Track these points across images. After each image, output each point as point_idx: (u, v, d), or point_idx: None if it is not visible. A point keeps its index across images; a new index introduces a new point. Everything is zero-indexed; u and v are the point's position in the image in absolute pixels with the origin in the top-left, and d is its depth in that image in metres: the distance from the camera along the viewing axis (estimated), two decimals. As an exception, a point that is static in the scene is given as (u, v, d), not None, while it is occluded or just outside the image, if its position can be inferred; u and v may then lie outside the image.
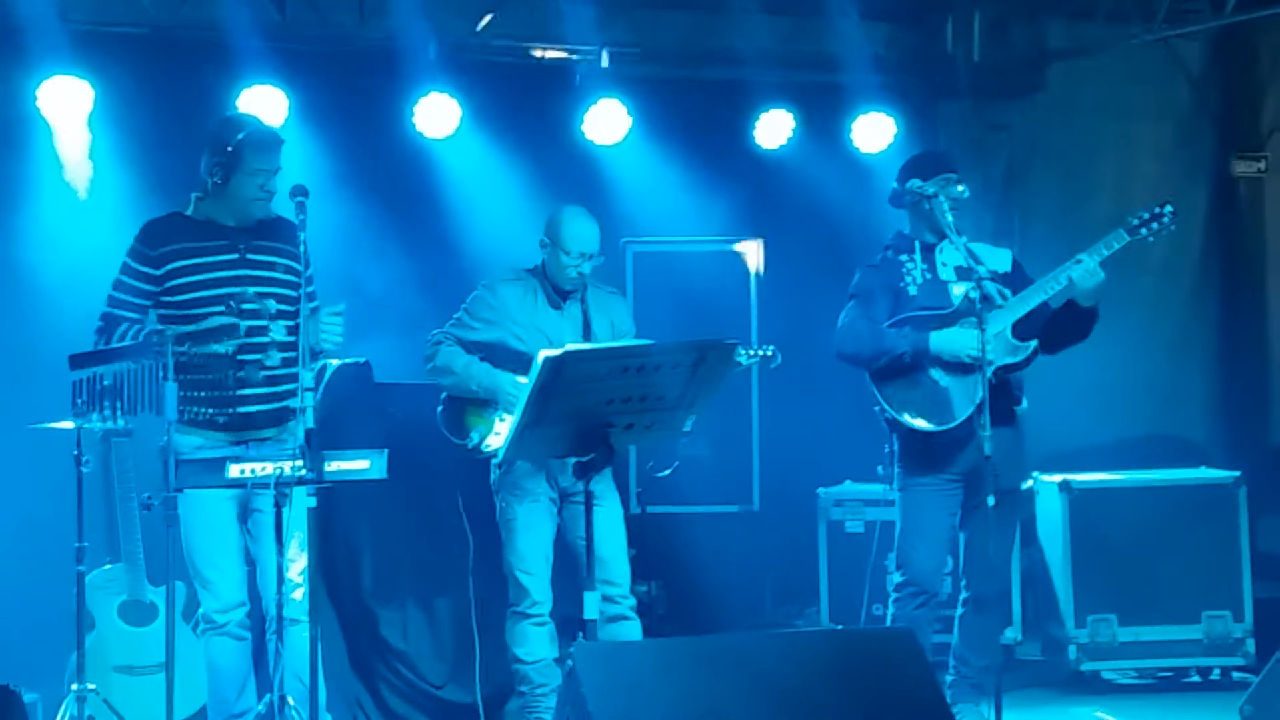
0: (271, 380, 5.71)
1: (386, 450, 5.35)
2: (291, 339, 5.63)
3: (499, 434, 6.20)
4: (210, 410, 5.63)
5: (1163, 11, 8.83)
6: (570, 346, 5.32)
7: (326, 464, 5.25)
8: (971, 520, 6.23)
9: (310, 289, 5.55)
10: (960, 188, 6.17)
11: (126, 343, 5.56)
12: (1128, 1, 8.97)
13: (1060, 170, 9.47)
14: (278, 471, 5.23)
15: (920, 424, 6.15)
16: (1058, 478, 7.66)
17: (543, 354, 5.15)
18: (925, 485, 6.24)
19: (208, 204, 5.79)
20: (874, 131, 8.67)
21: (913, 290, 6.24)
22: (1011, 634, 7.70)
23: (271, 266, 5.76)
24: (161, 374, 5.27)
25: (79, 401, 5.46)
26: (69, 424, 5.60)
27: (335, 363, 6.73)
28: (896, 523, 6.37)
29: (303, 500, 5.25)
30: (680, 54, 8.74)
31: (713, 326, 6.89)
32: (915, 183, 6.23)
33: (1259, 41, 9.69)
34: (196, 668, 5.94)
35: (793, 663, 4.82)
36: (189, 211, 5.81)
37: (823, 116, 8.69)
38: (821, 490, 8.06)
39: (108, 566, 6.55)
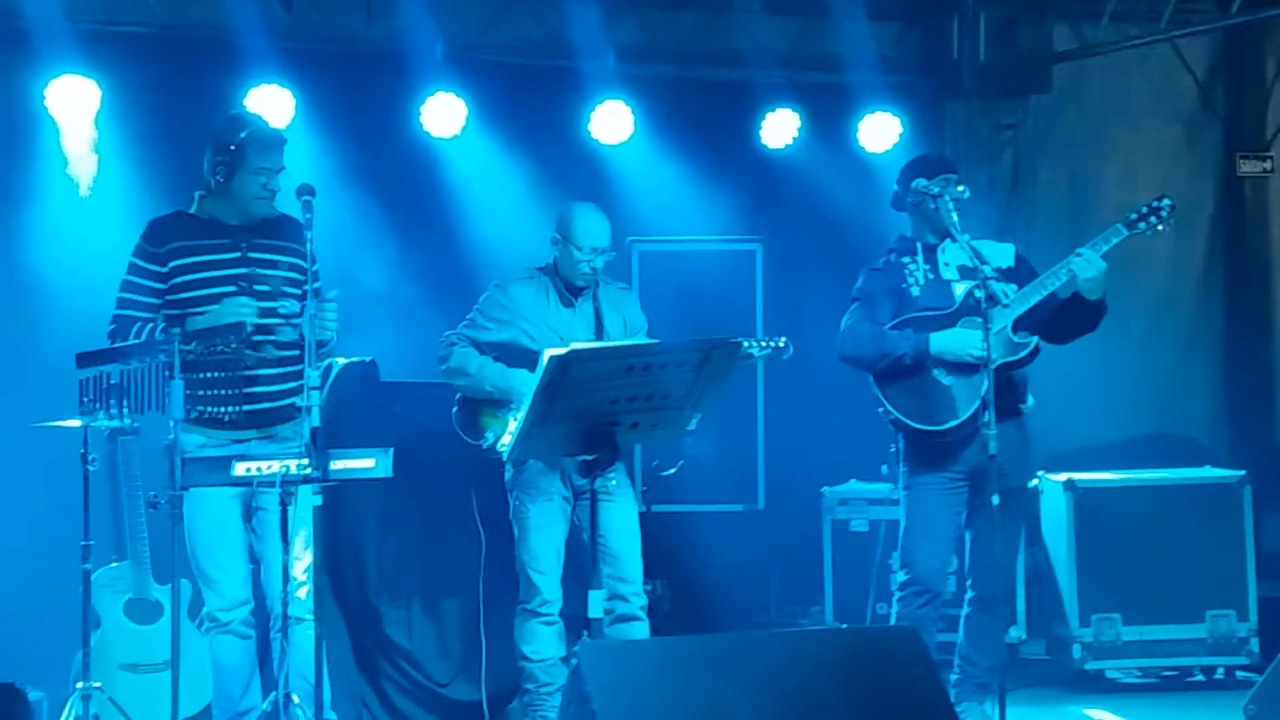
0: (277, 378, 5.72)
1: (392, 449, 5.35)
2: (296, 337, 5.64)
3: (513, 433, 6.20)
4: (216, 408, 5.62)
5: (1169, 12, 8.82)
6: (576, 345, 5.33)
7: (332, 462, 5.25)
8: (976, 519, 6.23)
9: (316, 285, 5.56)
10: (961, 188, 6.17)
11: (132, 341, 5.58)
12: (1134, 2, 8.98)
13: (1066, 170, 9.48)
14: (283, 470, 5.24)
15: (923, 425, 6.15)
16: (1063, 477, 7.65)
17: (548, 353, 5.15)
18: (930, 484, 6.24)
19: (211, 202, 5.81)
20: (880, 131, 8.69)
21: (915, 291, 6.24)
22: (1016, 633, 7.70)
23: (273, 265, 5.76)
24: (168, 372, 5.29)
25: (86, 400, 5.47)
26: (76, 422, 5.58)
27: (341, 361, 6.72)
28: (901, 521, 6.36)
29: (308, 498, 5.26)
30: (686, 54, 8.75)
31: (718, 326, 6.90)
32: (920, 182, 6.23)
33: (1265, 42, 9.70)
34: (201, 666, 5.94)
35: (797, 661, 4.82)
36: (192, 210, 5.82)
37: (828, 116, 8.70)
38: (826, 489, 8.06)
39: (113, 565, 6.53)
